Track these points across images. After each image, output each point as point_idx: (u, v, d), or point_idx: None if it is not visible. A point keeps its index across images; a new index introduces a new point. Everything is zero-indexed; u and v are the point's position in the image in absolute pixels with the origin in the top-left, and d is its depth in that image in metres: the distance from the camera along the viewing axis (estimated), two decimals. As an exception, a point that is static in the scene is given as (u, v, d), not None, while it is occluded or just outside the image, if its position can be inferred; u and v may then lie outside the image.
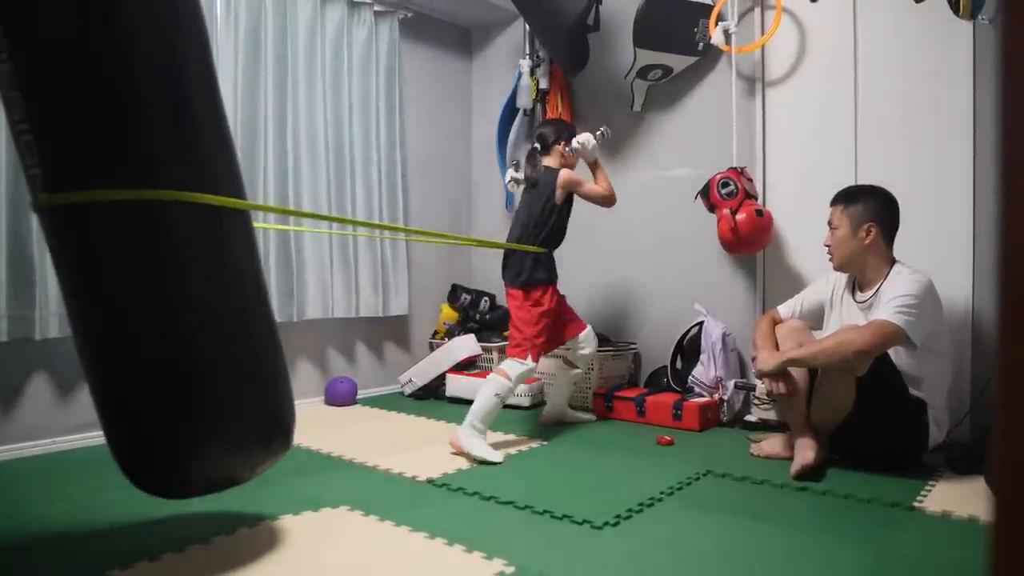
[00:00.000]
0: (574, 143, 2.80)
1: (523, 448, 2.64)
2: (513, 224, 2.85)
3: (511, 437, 2.81)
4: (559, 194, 2.73)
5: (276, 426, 1.57)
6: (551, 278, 2.76)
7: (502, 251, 2.87)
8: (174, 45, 1.40)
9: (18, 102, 1.33)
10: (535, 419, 3.13)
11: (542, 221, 2.73)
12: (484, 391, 2.59)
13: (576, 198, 2.82)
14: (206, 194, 1.40)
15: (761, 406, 2.96)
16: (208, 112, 1.47)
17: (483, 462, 2.43)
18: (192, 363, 1.42)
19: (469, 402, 3.41)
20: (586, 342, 2.95)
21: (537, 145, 2.86)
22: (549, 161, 2.81)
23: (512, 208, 4.12)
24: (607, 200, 2.81)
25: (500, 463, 2.43)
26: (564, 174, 2.74)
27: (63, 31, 1.30)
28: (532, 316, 2.69)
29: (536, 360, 2.69)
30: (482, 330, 3.89)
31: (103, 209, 1.34)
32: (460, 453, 2.50)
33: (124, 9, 1.33)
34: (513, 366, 2.64)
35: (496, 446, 2.58)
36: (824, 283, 2.56)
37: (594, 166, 2.86)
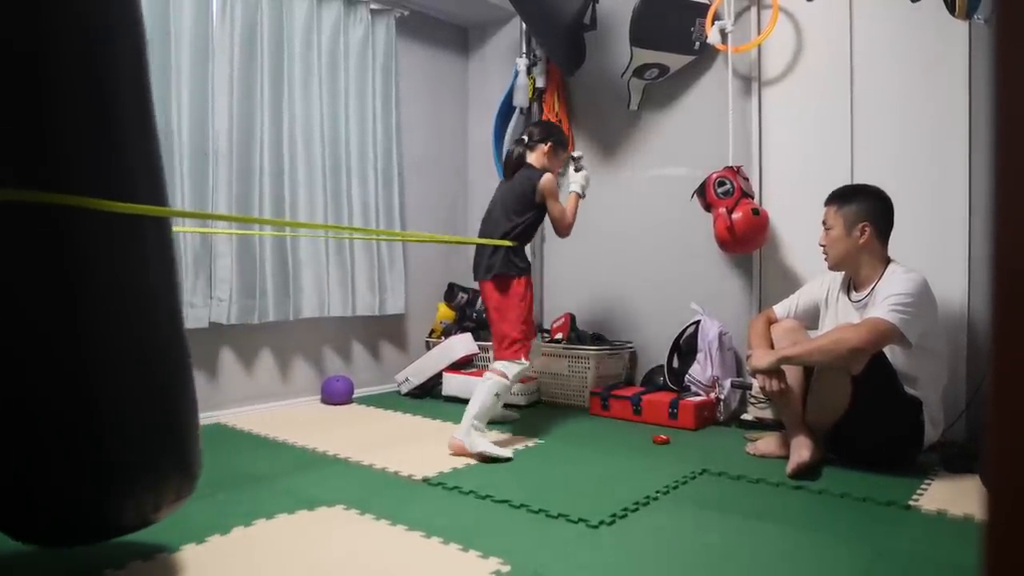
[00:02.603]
0: (577, 185, 2.78)
1: (518, 447, 2.64)
2: (486, 218, 2.80)
3: (507, 436, 2.81)
4: (538, 196, 2.66)
5: (179, 467, 1.41)
6: (528, 268, 2.70)
7: (451, 244, 2.83)
8: (100, 45, 1.27)
9: None
10: (531, 418, 3.13)
11: (519, 214, 2.67)
12: (482, 391, 2.57)
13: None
14: (117, 202, 1.24)
15: (757, 405, 2.97)
16: (132, 115, 1.34)
17: (493, 459, 2.44)
18: (84, 392, 1.25)
19: (466, 401, 3.43)
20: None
21: (523, 138, 2.82)
22: (531, 158, 2.77)
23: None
24: (564, 228, 2.72)
25: (511, 458, 2.45)
26: (547, 179, 2.67)
27: None
28: (519, 313, 2.65)
29: (528, 358, 2.67)
30: (478, 329, 3.89)
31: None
32: (463, 454, 2.50)
33: (43, 5, 1.20)
34: (509, 366, 2.61)
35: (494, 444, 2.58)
36: (819, 283, 2.56)
37: (573, 196, 2.79)
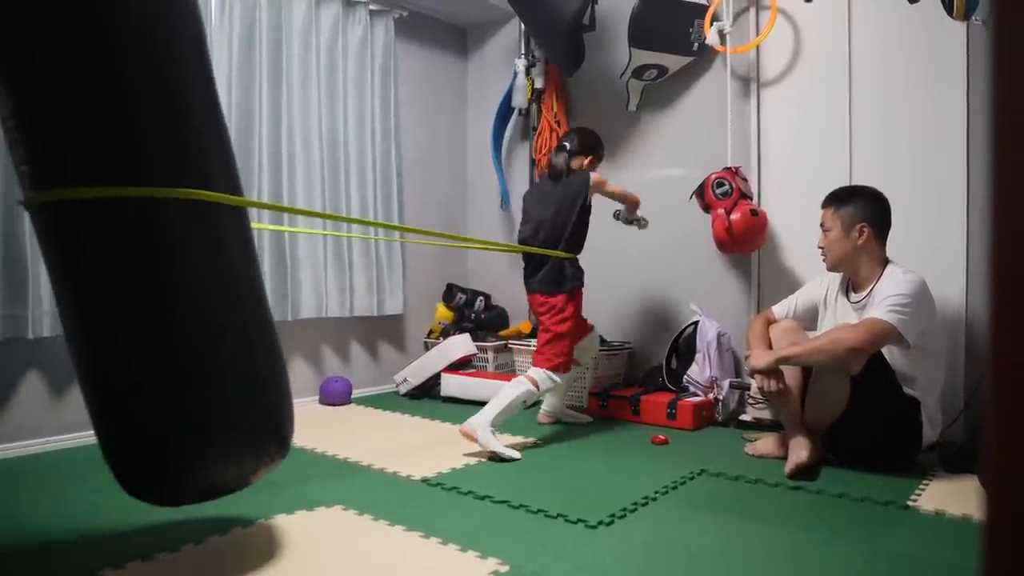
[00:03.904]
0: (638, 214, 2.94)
1: (517, 447, 2.64)
2: (533, 227, 2.79)
3: (505, 437, 2.80)
4: (590, 195, 2.74)
5: (273, 433, 1.53)
6: (575, 282, 2.75)
7: (503, 252, 2.87)
8: (168, 41, 1.37)
9: (4, 97, 1.29)
10: (529, 418, 3.13)
11: (574, 222, 2.72)
12: (510, 393, 2.57)
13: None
14: (200, 191, 1.36)
15: (756, 405, 2.97)
16: (203, 109, 1.43)
17: (502, 459, 2.45)
18: (187, 368, 1.38)
19: (464, 401, 3.44)
20: (591, 344, 3.01)
21: (567, 144, 2.83)
22: (574, 164, 2.82)
23: (508, 208, 4.12)
24: (633, 197, 2.89)
25: (519, 459, 2.46)
26: (596, 176, 2.75)
27: (51, 26, 1.26)
28: (567, 326, 2.68)
29: (567, 371, 2.71)
30: (477, 329, 3.89)
31: (92, 207, 1.30)
32: (470, 439, 2.50)
33: (115, 4, 1.30)
34: (544, 379, 2.63)
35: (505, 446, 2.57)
36: (818, 284, 2.56)
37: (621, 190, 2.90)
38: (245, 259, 1.50)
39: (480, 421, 2.51)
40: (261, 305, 1.53)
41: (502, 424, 2.60)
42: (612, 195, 2.84)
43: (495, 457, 2.46)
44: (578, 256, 2.79)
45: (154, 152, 1.33)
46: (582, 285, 2.78)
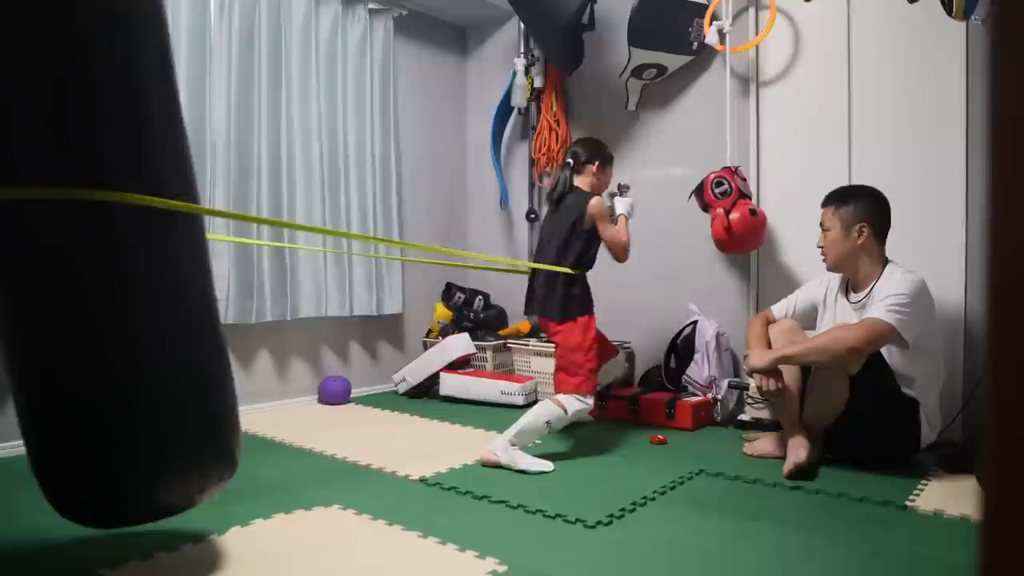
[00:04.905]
0: (624, 208, 2.68)
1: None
2: (538, 246, 2.71)
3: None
4: (587, 221, 2.54)
5: (220, 451, 1.45)
6: (587, 306, 2.57)
7: (504, 272, 2.81)
8: (127, 42, 1.30)
9: None
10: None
11: (570, 244, 2.55)
12: (537, 415, 2.44)
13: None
14: (154, 197, 1.27)
15: (754, 405, 2.97)
16: (161, 112, 1.36)
17: (530, 473, 2.34)
18: (131, 380, 1.30)
19: (463, 401, 3.45)
20: (613, 368, 2.99)
21: (569, 161, 2.67)
22: (579, 181, 2.64)
23: (507, 207, 4.13)
24: (620, 250, 2.59)
25: (552, 470, 2.35)
26: (595, 203, 2.54)
27: (10, 20, 1.19)
28: (584, 344, 2.51)
29: (593, 393, 2.53)
30: (476, 329, 3.89)
31: (38, 208, 1.22)
32: (496, 466, 2.38)
33: (79, 3, 1.23)
34: (572, 403, 2.46)
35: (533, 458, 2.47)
36: (818, 283, 2.56)
37: (622, 219, 2.67)
38: (195, 264, 1.42)
39: (499, 443, 2.40)
40: (211, 316, 1.44)
41: (525, 442, 2.46)
42: (606, 238, 2.56)
43: (531, 472, 2.33)
44: (583, 273, 2.60)
45: (103, 153, 1.26)
46: (588, 308, 2.57)
